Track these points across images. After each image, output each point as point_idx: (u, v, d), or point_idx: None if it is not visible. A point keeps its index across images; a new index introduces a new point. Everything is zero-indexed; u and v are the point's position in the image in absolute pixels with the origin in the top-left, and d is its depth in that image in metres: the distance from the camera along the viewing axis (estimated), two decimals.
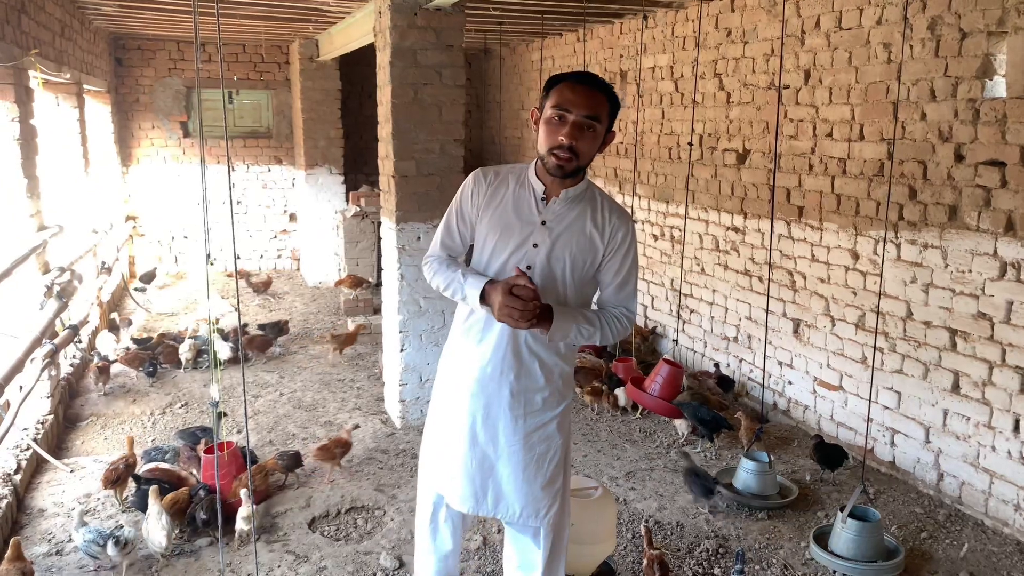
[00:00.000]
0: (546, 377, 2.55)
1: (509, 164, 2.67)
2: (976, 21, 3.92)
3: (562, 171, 2.40)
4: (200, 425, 4.96)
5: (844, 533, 3.60)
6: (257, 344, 6.69)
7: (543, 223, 2.47)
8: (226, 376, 6.13)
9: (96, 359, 6.06)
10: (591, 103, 2.35)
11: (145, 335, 6.99)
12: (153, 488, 3.66)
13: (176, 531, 3.77)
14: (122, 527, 3.53)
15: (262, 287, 9.07)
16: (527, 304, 2.32)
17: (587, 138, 2.37)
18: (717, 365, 6.01)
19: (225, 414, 5.10)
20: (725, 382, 5.70)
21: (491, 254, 2.52)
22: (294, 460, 4.40)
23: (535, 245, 2.47)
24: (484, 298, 2.42)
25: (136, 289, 9.06)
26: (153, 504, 3.57)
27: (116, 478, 4.09)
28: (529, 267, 2.46)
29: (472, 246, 2.65)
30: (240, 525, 3.73)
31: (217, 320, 7.21)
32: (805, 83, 5.05)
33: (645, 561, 3.35)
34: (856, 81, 4.67)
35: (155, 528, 3.54)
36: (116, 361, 6.12)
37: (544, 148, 2.40)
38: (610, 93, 2.40)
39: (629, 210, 7.10)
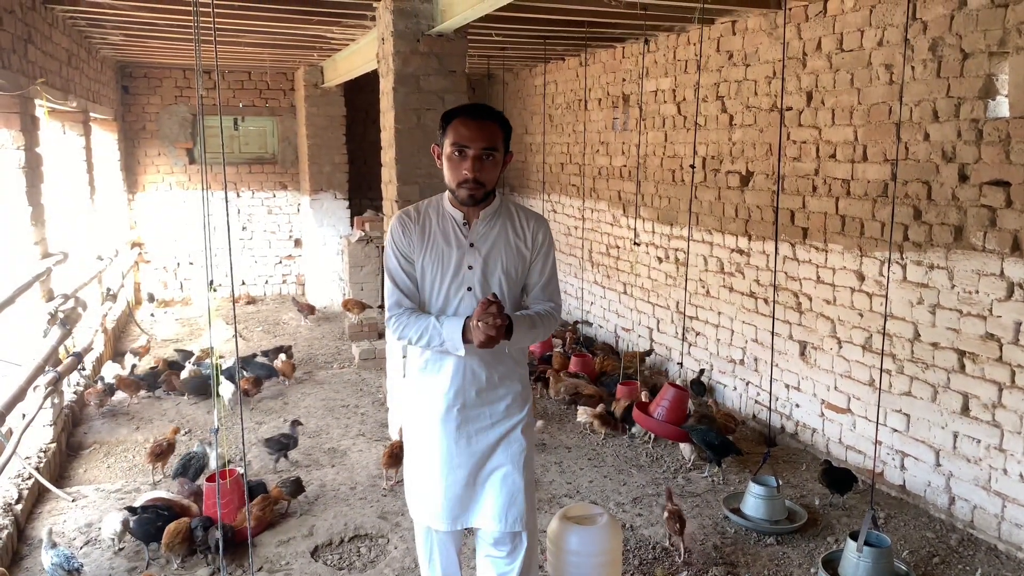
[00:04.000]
0: (505, 386, 2.72)
1: (423, 200, 2.80)
2: (977, 42, 3.92)
3: (473, 200, 2.59)
4: (283, 433, 5.17)
5: (856, 560, 3.53)
6: (250, 385, 6.30)
7: (471, 245, 2.65)
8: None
9: (99, 384, 6.06)
10: (486, 135, 2.51)
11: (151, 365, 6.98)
12: None
13: (178, 561, 3.75)
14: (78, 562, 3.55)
15: (307, 309, 9.09)
16: (493, 319, 2.44)
17: (488, 167, 2.54)
18: (702, 372, 6.15)
19: (297, 432, 5.19)
20: (698, 386, 5.95)
21: (431, 285, 2.67)
22: (296, 486, 4.39)
23: (470, 267, 2.64)
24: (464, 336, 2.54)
25: (152, 313, 9.10)
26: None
27: (159, 452, 4.70)
28: (469, 288, 2.63)
29: None
30: None
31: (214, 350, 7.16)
32: (807, 105, 5.06)
33: (666, 514, 3.86)
34: (858, 102, 4.67)
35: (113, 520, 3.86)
36: (117, 389, 6.10)
37: (452, 183, 2.58)
38: (502, 120, 2.58)
39: (632, 233, 7.09)
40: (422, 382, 2.73)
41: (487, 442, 2.70)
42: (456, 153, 2.52)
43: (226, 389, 5.92)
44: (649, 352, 6.90)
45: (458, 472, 2.69)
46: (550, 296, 2.77)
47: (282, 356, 6.91)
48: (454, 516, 2.73)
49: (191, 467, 4.57)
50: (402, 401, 2.88)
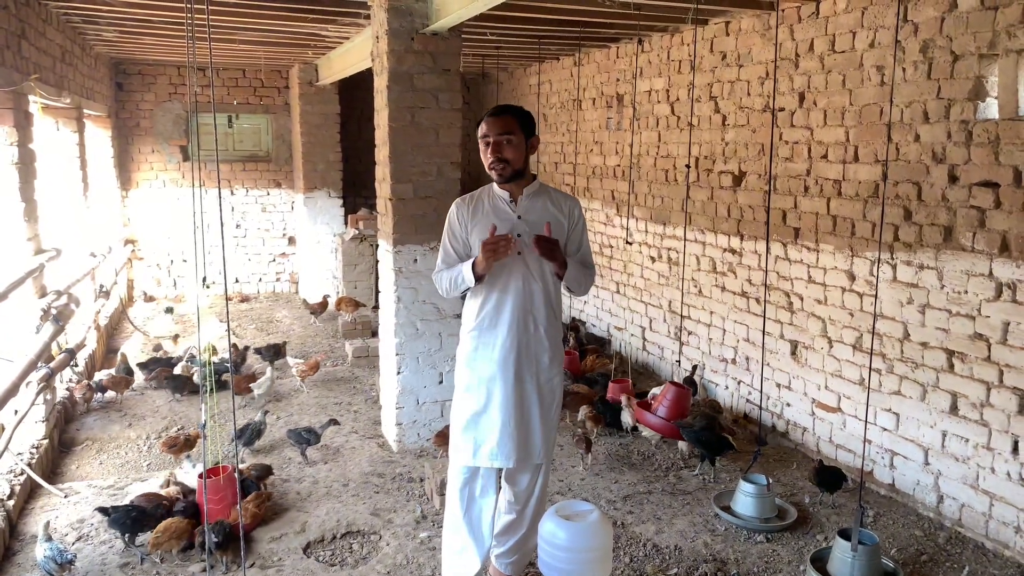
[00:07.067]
0: (549, 341, 3.24)
1: (477, 189, 3.34)
2: (967, 44, 3.95)
3: (502, 177, 3.15)
4: (306, 427, 5.18)
5: (845, 558, 3.56)
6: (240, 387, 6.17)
7: (519, 217, 3.19)
8: (223, 400, 6.10)
9: (93, 381, 6.06)
10: (501, 124, 3.10)
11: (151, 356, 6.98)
12: None
13: (174, 557, 3.76)
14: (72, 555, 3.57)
15: (319, 309, 9.07)
16: (499, 240, 2.99)
17: (509, 149, 3.11)
18: (695, 367, 6.17)
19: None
20: (689, 384, 5.90)
21: None
22: (264, 469, 4.54)
23: (519, 235, 3.14)
24: (474, 272, 3.10)
25: (167, 310, 9.11)
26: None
27: (173, 444, 4.85)
28: (519, 252, 3.12)
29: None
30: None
31: (213, 347, 7.17)
32: (800, 105, 5.09)
33: (590, 411, 4.67)
34: (850, 103, 4.70)
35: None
36: (106, 387, 6.08)
37: (486, 167, 3.17)
38: (516, 111, 3.16)
39: (625, 232, 7.12)
40: (480, 337, 3.21)
41: (535, 390, 3.22)
42: (483, 144, 3.14)
43: (258, 386, 6.13)
44: (607, 342, 7.39)
45: (515, 411, 3.18)
46: (587, 262, 3.31)
47: (299, 361, 6.76)
48: (507, 452, 3.19)
49: (246, 432, 4.98)
50: (459, 356, 3.33)
